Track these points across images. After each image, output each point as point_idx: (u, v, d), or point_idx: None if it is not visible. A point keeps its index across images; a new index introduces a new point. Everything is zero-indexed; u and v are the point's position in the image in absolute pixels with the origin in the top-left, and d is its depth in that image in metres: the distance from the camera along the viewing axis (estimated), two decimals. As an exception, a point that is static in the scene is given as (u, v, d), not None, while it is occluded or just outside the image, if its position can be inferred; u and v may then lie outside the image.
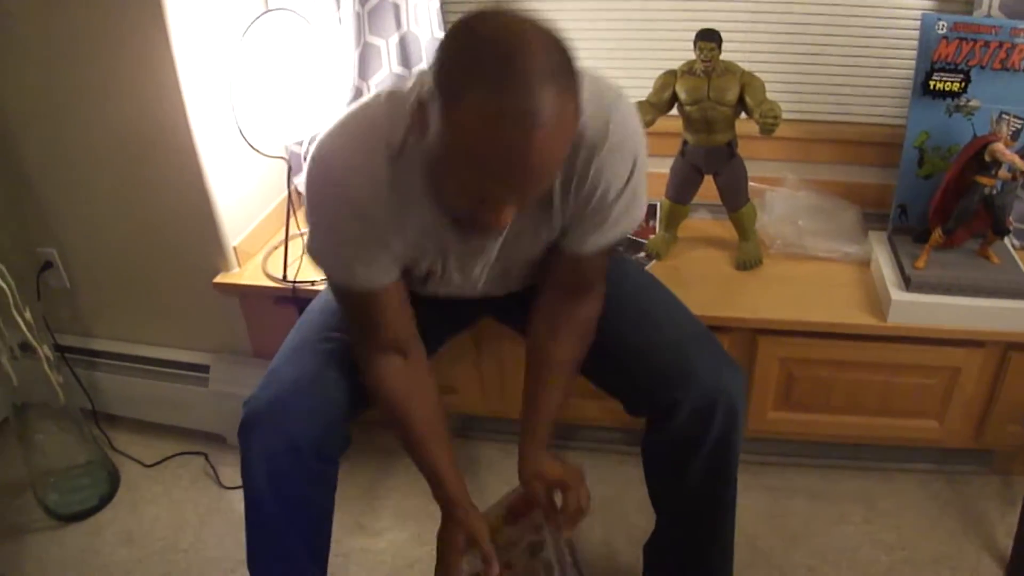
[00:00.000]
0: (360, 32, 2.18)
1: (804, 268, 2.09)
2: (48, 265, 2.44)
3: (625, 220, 1.47)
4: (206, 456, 2.47)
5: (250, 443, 1.55)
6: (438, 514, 2.19)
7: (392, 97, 1.36)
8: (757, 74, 1.95)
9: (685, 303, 1.65)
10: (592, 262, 1.51)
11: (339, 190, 1.35)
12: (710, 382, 1.51)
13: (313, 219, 1.42)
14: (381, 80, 2.20)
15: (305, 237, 2.20)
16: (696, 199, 2.13)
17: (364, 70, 2.22)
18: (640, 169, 1.42)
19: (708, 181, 2.07)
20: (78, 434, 2.32)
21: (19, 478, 2.38)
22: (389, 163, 1.33)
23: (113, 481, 2.41)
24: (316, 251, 1.45)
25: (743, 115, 1.98)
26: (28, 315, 2.09)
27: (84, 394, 2.52)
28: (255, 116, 1.99)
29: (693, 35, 1.93)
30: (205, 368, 2.42)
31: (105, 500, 2.36)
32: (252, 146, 2.02)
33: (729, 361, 1.57)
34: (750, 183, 2.09)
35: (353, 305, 1.51)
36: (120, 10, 1.93)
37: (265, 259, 2.29)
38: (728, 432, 1.54)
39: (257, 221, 2.32)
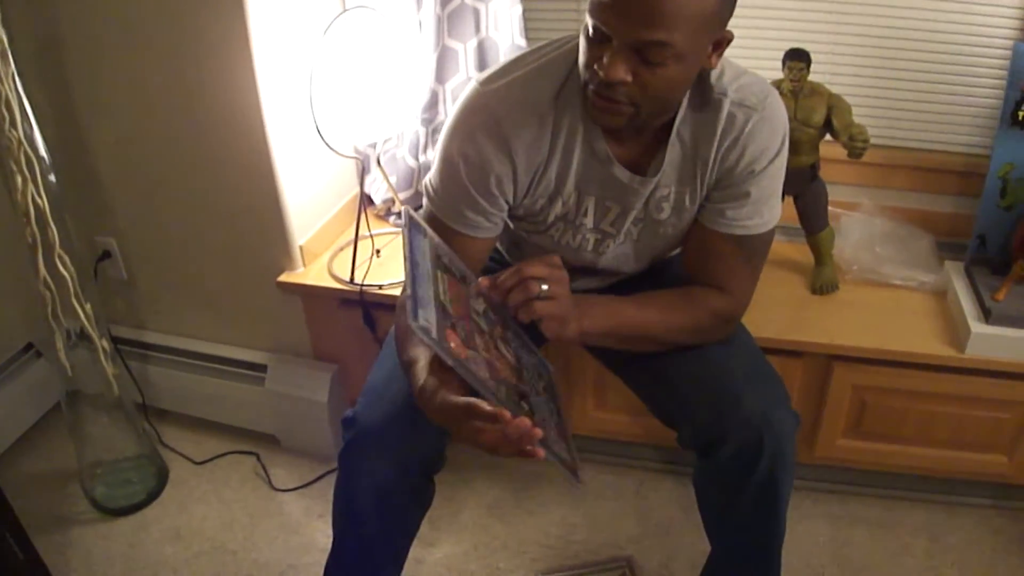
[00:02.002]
0: (439, 35, 2.17)
1: (880, 295, 2.07)
2: (106, 255, 2.44)
3: (761, 211, 1.51)
4: (258, 456, 2.46)
5: (358, 463, 1.55)
6: (496, 528, 2.22)
7: (557, 46, 1.49)
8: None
9: (760, 324, 1.63)
10: (723, 248, 1.52)
11: (488, 118, 1.45)
12: (757, 421, 1.47)
13: (445, 148, 1.51)
14: (457, 85, 2.20)
15: (374, 240, 2.29)
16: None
17: (441, 73, 2.22)
18: (783, 157, 1.50)
19: (787, 202, 2.03)
20: (129, 427, 2.31)
21: (68, 468, 2.38)
22: (551, 101, 1.46)
23: (161, 477, 2.40)
24: (434, 183, 1.55)
25: (827, 137, 1.96)
26: (88, 306, 2.09)
27: (136, 387, 2.51)
28: (329, 114, 1.98)
29: (775, 53, 1.92)
30: (262, 367, 2.40)
31: (153, 496, 2.35)
32: (328, 144, 2.02)
33: (783, 402, 1.53)
34: (827, 207, 2.07)
35: None
36: (200, 1, 1.93)
37: (331, 259, 2.28)
38: (774, 474, 1.51)
39: (324, 220, 2.31)
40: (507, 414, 1.13)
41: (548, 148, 1.47)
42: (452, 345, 1.12)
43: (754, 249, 1.55)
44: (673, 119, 1.44)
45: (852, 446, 2.10)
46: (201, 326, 2.49)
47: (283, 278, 2.23)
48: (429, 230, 1.37)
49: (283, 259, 2.23)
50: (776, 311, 1.99)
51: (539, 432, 1.13)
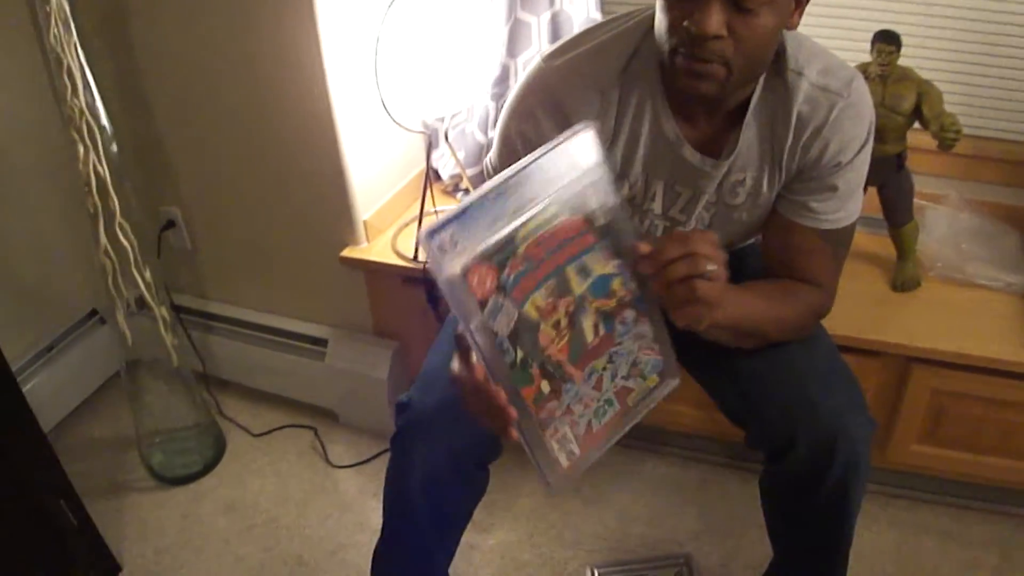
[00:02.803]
0: (512, 7, 2.09)
1: (964, 295, 1.95)
2: (170, 224, 2.41)
3: (847, 204, 1.42)
4: (315, 431, 2.42)
5: (409, 449, 1.50)
6: (552, 516, 2.15)
7: (627, 19, 1.40)
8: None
9: (836, 321, 1.53)
10: (810, 243, 1.43)
11: (548, 96, 1.38)
12: (831, 425, 1.38)
13: (503, 126, 1.45)
14: (529, 59, 2.10)
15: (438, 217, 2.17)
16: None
17: (513, 47, 2.14)
18: (869, 147, 1.40)
19: (870, 193, 1.92)
20: (188, 397, 2.29)
21: (128, 434, 2.37)
22: (617, 77, 1.37)
23: (219, 447, 2.38)
24: (493, 163, 1.50)
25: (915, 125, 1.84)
26: (148, 274, 2.06)
27: (197, 357, 2.49)
28: (397, 88, 1.92)
29: (861, 35, 1.81)
30: (323, 342, 2.36)
31: (210, 466, 2.33)
32: (393, 118, 1.95)
33: (860, 407, 1.43)
34: (912, 199, 1.95)
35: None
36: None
37: (395, 236, 2.21)
38: (846, 481, 1.41)
39: (389, 195, 2.25)
40: (480, 372, 1.05)
41: (613, 128, 1.39)
42: (473, 281, 1.01)
43: (840, 242, 1.46)
44: (748, 99, 1.35)
45: (926, 452, 1.99)
46: (263, 298, 2.45)
47: (346, 253, 2.18)
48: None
49: (346, 234, 2.18)
50: (854, 308, 1.88)
51: (512, 413, 1.05)
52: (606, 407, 1.19)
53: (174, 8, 2.04)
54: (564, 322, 1.10)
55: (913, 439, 1.97)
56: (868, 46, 1.79)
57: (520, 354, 1.07)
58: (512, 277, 1.03)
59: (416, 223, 2.14)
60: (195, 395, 2.32)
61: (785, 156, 1.37)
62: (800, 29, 1.31)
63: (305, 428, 2.44)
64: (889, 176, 1.87)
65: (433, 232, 0.95)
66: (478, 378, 1.05)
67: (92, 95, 1.87)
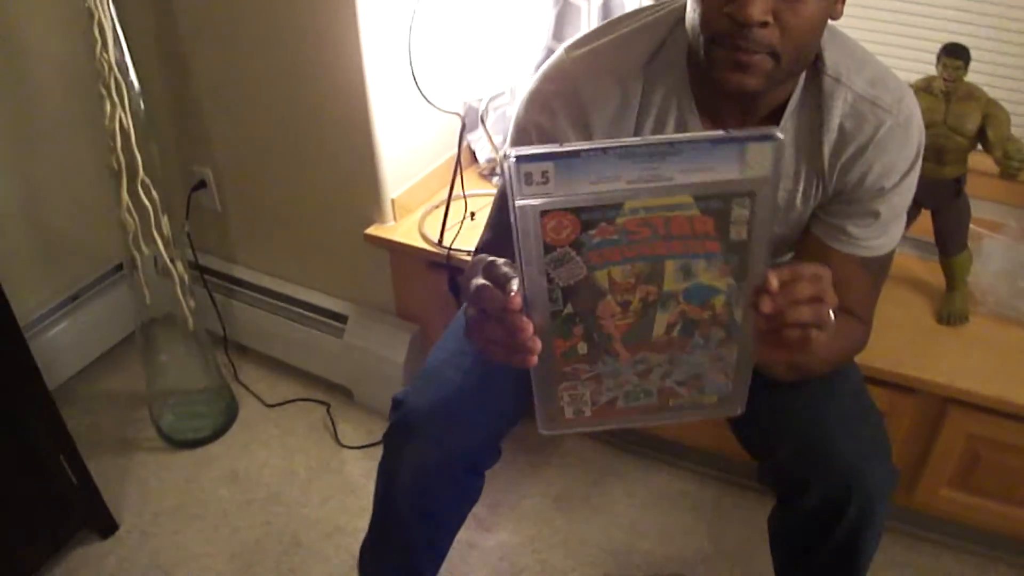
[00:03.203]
0: (561, -11, 1.96)
1: (1015, 335, 1.78)
2: (202, 184, 2.35)
3: (889, 230, 1.29)
4: (328, 408, 2.35)
5: (400, 449, 1.43)
6: (557, 521, 2.05)
7: (656, 9, 1.29)
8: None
9: (872, 351, 1.40)
10: (848, 270, 1.28)
11: (565, 87, 1.26)
12: (847, 473, 1.26)
13: (519, 116, 1.32)
14: (575, 45, 2.00)
15: (468, 201, 2.12)
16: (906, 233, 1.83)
17: (560, 31, 2.02)
18: (917, 170, 1.27)
19: (923, 215, 1.78)
20: (204, 360, 2.25)
21: (142, 392, 2.31)
22: (639, 70, 1.25)
23: (230, 414, 2.33)
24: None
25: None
26: (168, 234, 2.00)
27: (218, 320, 2.44)
28: (433, 66, 1.83)
29: (924, 43, 1.68)
30: (343, 318, 2.28)
31: (219, 432, 2.28)
32: (425, 97, 1.86)
33: (882, 454, 1.31)
34: (968, 225, 1.79)
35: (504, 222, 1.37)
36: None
37: (423, 218, 2.11)
38: (858, 534, 1.30)
39: (420, 176, 2.15)
40: (515, 303, 0.94)
41: (634, 124, 1.26)
42: (548, 224, 0.90)
43: (879, 270, 1.33)
44: (784, 103, 1.22)
45: (956, 498, 1.83)
46: (288, 267, 2.38)
47: (371, 231, 2.09)
48: None
49: (373, 211, 2.09)
50: (893, 338, 1.74)
51: (536, 344, 0.95)
52: (641, 395, 1.08)
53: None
54: (636, 305, 0.98)
55: (943, 483, 1.82)
56: (935, 60, 1.65)
57: (569, 309, 0.98)
58: (597, 240, 0.92)
59: (444, 207, 2.04)
60: (211, 359, 2.27)
61: (825, 171, 1.25)
62: (863, 38, 1.18)
63: (319, 403, 2.37)
64: (946, 201, 1.72)
65: (524, 159, 0.85)
66: (510, 304, 0.93)
67: (122, 51, 1.81)
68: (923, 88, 1.66)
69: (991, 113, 1.63)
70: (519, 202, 0.88)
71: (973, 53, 1.62)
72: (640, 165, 0.88)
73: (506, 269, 0.97)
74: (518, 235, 0.90)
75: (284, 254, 2.37)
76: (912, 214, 1.75)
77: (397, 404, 1.44)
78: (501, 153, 1.41)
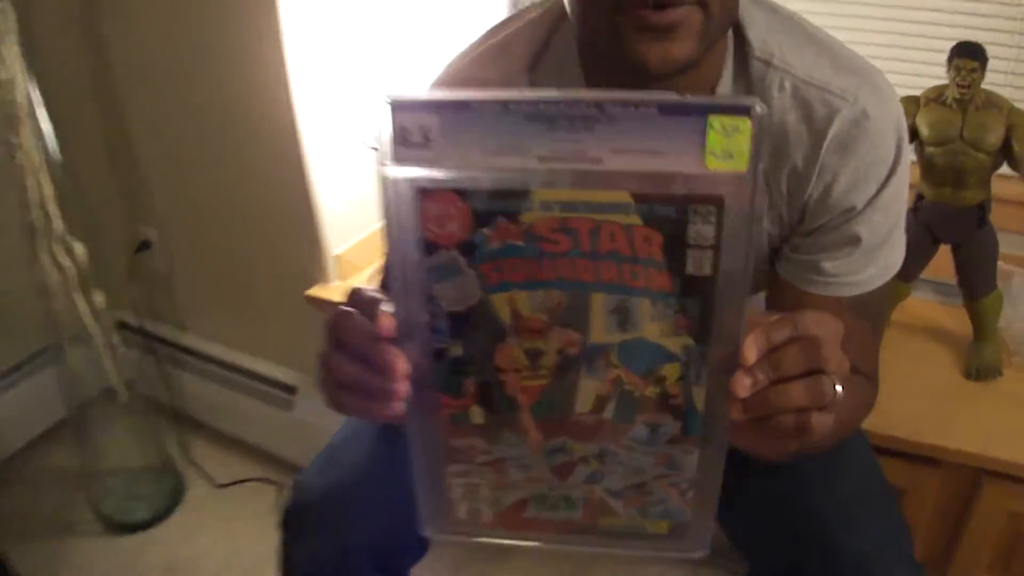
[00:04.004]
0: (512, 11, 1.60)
1: (1056, 390, 1.37)
2: (146, 245, 1.97)
3: (877, 256, 0.88)
4: (281, 488, 1.92)
5: (293, 539, 1.05)
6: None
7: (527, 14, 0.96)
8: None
9: (887, 416, 0.98)
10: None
11: None
12: (855, 564, 0.86)
13: None
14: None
15: None
16: (922, 274, 1.42)
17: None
18: (902, 171, 0.86)
19: (942, 252, 1.37)
20: (147, 436, 1.87)
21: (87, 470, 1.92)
22: (525, 73, 0.92)
23: (175, 495, 1.93)
24: None
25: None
26: (100, 301, 1.64)
27: (168, 392, 2.05)
28: (375, 104, 1.46)
29: (933, 44, 1.29)
30: (293, 389, 1.88)
31: (160, 515, 1.88)
32: (359, 138, 1.50)
33: (902, 546, 0.90)
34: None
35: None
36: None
37: (372, 277, 1.73)
38: None
39: (369, 231, 1.76)
40: (384, 326, 0.60)
41: None
42: (429, 209, 0.56)
43: (876, 308, 0.93)
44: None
45: (997, 586, 1.40)
46: (236, 333, 1.99)
47: (313, 291, 1.70)
48: None
49: (314, 269, 1.70)
50: (912, 399, 1.32)
51: (403, 385, 0.60)
52: (561, 504, 0.69)
53: (147, 16, 1.67)
54: (551, 359, 0.62)
55: (982, 567, 1.38)
56: (945, 66, 1.26)
57: (458, 349, 0.62)
58: (495, 246, 0.58)
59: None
60: (155, 435, 1.89)
61: (780, 195, 0.87)
62: (861, 42, 0.79)
63: (271, 483, 1.94)
64: (967, 233, 1.31)
65: (402, 105, 0.55)
66: (378, 328, 0.60)
67: (30, 96, 1.47)
68: (934, 99, 1.27)
69: (1016, 124, 1.24)
70: (390, 172, 0.56)
71: (992, 58, 1.23)
72: (557, 135, 0.54)
73: (375, 294, 0.64)
74: (388, 225, 0.58)
75: (233, 319, 1.98)
76: (928, 250, 1.35)
77: (295, 486, 1.06)
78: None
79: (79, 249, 1.60)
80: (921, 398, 1.34)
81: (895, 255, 0.91)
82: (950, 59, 1.24)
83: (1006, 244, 1.41)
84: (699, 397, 0.61)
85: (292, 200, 1.64)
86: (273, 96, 1.54)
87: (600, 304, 0.58)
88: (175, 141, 1.80)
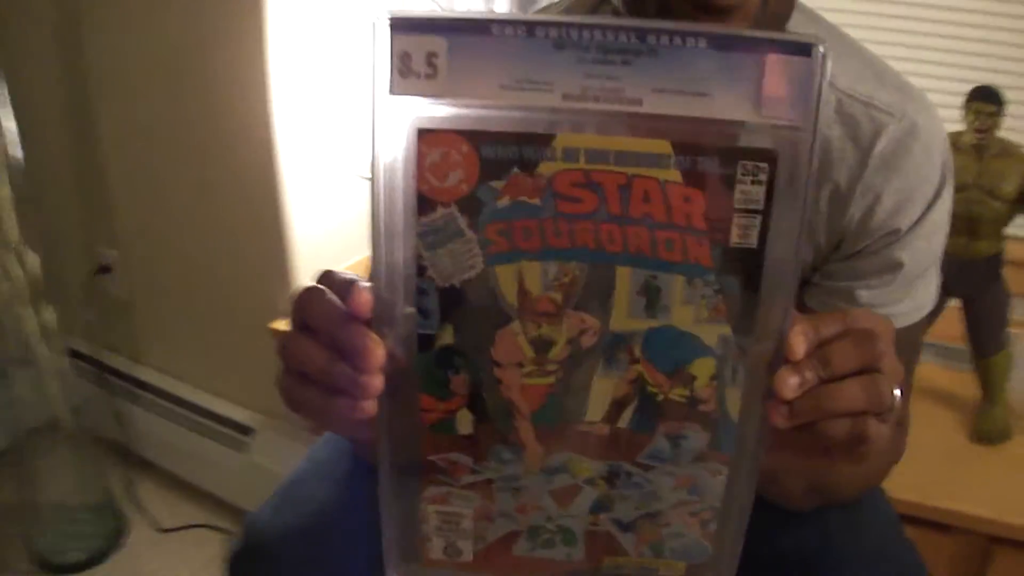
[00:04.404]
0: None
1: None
2: (106, 269, 1.86)
3: (916, 288, 0.79)
4: (230, 535, 1.78)
5: None
6: None
7: None
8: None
9: (895, 481, 0.87)
10: None
11: None
12: None
13: None
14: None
15: None
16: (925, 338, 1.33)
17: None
18: (947, 196, 0.78)
19: (949, 310, 1.28)
20: (91, 471, 1.74)
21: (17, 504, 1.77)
22: None
23: (115, 536, 1.77)
24: None
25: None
26: (50, 316, 1.52)
27: (118, 427, 1.90)
28: (349, 124, 1.39)
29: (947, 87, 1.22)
30: (249, 431, 1.74)
31: (97, 558, 1.72)
32: (340, 166, 1.41)
33: None
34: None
35: None
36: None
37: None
38: None
39: (347, 263, 1.64)
40: (359, 303, 0.47)
41: None
42: (428, 155, 0.46)
43: (910, 348, 0.82)
44: None
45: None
46: (193, 368, 1.86)
47: (279, 324, 1.57)
48: None
49: (282, 303, 1.58)
50: (921, 464, 1.18)
51: (378, 380, 0.47)
52: (558, 538, 0.57)
53: (125, 27, 1.59)
54: (562, 349, 0.51)
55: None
56: (961, 111, 1.19)
57: (448, 337, 0.50)
58: (505, 203, 0.47)
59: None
60: (99, 471, 1.75)
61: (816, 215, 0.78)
62: None
63: (219, 531, 1.79)
64: (980, 286, 1.23)
65: (403, 25, 0.44)
66: (352, 306, 0.48)
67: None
68: (950, 143, 1.20)
69: (1035, 170, 1.17)
70: (383, 106, 0.45)
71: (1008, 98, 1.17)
72: (589, 69, 0.45)
73: (351, 275, 0.51)
74: (375, 174, 0.47)
75: (191, 353, 1.86)
76: (938, 305, 1.26)
77: (247, 526, 0.91)
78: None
79: (32, 259, 1.50)
80: (929, 462, 1.24)
81: (930, 292, 0.82)
82: (967, 103, 1.17)
83: (1018, 309, 1.33)
84: (733, 402, 0.51)
85: (264, 227, 1.54)
86: (252, 117, 1.46)
87: (626, 281, 0.48)
88: (145, 160, 1.70)
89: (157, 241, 1.77)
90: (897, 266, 0.77)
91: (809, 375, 0.48)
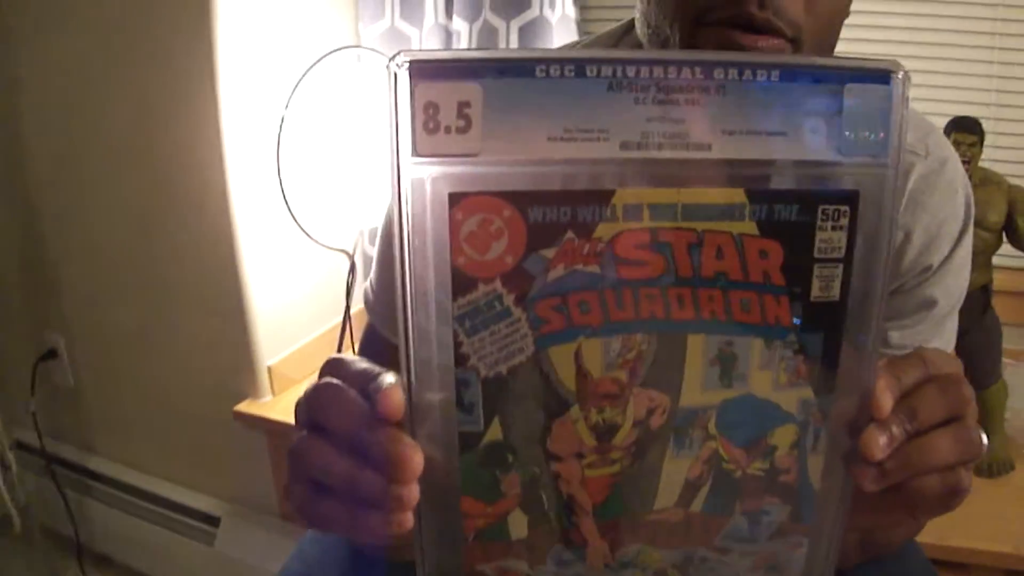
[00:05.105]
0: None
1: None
2: (52, 354, 1.73)
3: (944, 326, 0.76)
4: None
5: None
6: None
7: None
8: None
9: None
10: None
11: None
12: None
13: (384, 225, 0.83)
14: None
15: None
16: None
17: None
18: (970, 237, 0.75)
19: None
20: (45, 571, 1.64)
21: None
22: None
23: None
24: (373, 285, 0.85)
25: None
26: None
27: (70, 522, 1.74)
28: (308, 188, 1.31)
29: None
30: (215, 520, 1.61)
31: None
32: (303, 229, 1.33)
33: None
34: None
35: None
36: (164, 61, 1.35)
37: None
38: None
39: (306, 339, 1.56)
40: (387, 379, 0.41)
41: None
42: (466, 222, 0.39)
43: None
44: None
45: None
46: (151, 457, 1.73)
47: (242, 407, 1.48)
48: None
49: (245, 382, 1.49)
50: (924, 500, 1.17)
51: (414, 491, 0.40)
52: None
53: (69, 103, 1.50)
54: (627, 434, 0.44)
55: None
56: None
57: (496, 433, 0.43)
58: (555, 276, 0.40)
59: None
60: (56, 570, 1.65)
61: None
62: None
63: (186, 631, 1.66)
64: (973, 319, 1.19)
65: (425, 70, 0.37)
66: (381, 407, 0.40)
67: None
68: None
69: (1018, 198, 1.16)
70: (407, 171, 0.38)
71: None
72: (648, 110, 0.39)
73: (367, 363, 0.44)
74: (401, 249, 0.39)
75: (147, 440, 1.73)
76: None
77: None
78: (366, 284, 0.86)
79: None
80: (936, 500, 1.18)
81: (955, 331, 0.78)
82: (946, 134, 1.15)
83: (1007, 338, 1.30)
84: (814, 469, 0.45)
85: (221, 303, 1.45)
86: (206, 188, 1.38)
87: (698, 350, 0.42)
88: (90, 236, 1.60)
89: (105, 323, 1.66)
90: (931, 304, 0.73)
91: (897, 431, 0.43)
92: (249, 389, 1.49)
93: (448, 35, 1.51)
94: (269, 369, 1.48)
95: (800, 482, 0.46)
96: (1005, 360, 1.31)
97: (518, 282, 0.40)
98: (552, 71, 0.37)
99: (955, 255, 0.73)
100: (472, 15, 1.47)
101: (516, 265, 0.39)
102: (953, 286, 0.75)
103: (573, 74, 0.37)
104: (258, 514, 1.60)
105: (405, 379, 0.40)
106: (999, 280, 1.26)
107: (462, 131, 0.37)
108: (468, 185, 0.38)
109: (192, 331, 1.52)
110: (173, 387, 1.61)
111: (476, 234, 0.39)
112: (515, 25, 1.44)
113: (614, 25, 0.79)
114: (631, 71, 0.37)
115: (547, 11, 1.43)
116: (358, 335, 1.52)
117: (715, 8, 0.56)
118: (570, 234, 0.39)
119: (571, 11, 1.45)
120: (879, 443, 0.42)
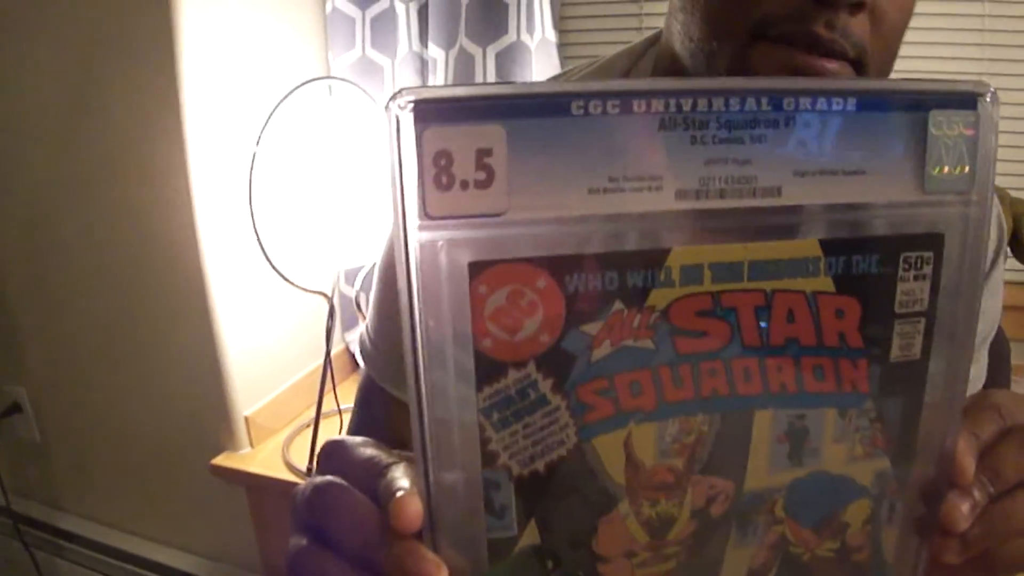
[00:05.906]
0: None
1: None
2: (15, 408, 1.65)
3: (980, 353, 0.74)
4: None
5: None
6: None
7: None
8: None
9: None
10: None
11: None
12: None
13: (380, 271, 0.75)
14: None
15: (344, 418, 1.44)
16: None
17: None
18: (1003, 258, 0.75)
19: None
20: None
21: None
22: None
23: None
24: (370, 333, 0.76)
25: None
26: None
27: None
28: (283, 229, 1.24)
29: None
30: (194, 580, 1.55)
31: None
32: (278, 271, 1.26)
33: None
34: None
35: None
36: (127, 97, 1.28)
37: (289, 442, 1.43)
38: None
39: (284, 387, 1.49)
40: (400, 482, 0.34)
41: None
42: (491, 296, 0.32)
43: None
44: None
45: None
46: (124, 514, 1.64)
47: (220, 460, 1.40)
48: None
49: (221, 434, 1.41)
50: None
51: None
52: None
53: (31, 142, 1.43)
54: (685, 527, 0.37)
55: None
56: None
57: (533, 536, 0.35)
58: (600, 355, 0.34)
59: (313, 427, 1.37)
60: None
61: None
62: None
63: None
64: (980, 336, 1.16)
65: (438, 114, 0.30)
66: (397, 519, 0.33)
67: None
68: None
69: (1022, 212, 1.10)
70: (416, 235, 0.31)
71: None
72: (709, 151, 0.32)
73: (375, 450, 0.38)
74: (414, 333, 0.32)
75: (119, 496, 1.64)
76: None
77: None
78: (361, 329, 0.79)
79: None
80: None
81: (987, 359, 0.74)
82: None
83: (1015, 353, 1.26)
84: (888, 543, 0.40)
85: (194, 351, 1.37)
86: (175, 233, 1.31)
87: (765, 428, 0.36)
88: (53, 284, 1.51)
89: (71, 374, 1.58)
90: None
91: (980, 496, 0.38)
92: (226, 441, 1.41)
93: (423, 63, 1.45)
94: (247, 419, 1.40)
95: (874, 560, 0.40)
96: (1015, 378, 1.26)
97: (556, 365, 0.33)
98: (592, 107, 0.31)
99: (992, 276, 0.71)
100: (448, 42, 1.40)
101: (553, 345, 0.33)
102: (991, 309, 0.73)
103: (618, 110, 0.31)
104: (239, 571, 1.52)
105: (423, 482, 0.33)
106: (1006, 295, 1.23)
107: (482, 185, 0.31)
108: (492, 252, 0.31)
109: (164, 381, 1.44)
110: (146, 440, 1.53)
111: (504, 310, 0.32)
112: (491, 51, 1.38)
113: (614, 51, 0.72)
114: (686, 103, 0.31)
115: (524, 36, 1.37)
116: (339, 379, 1.46)
117: (775, 22, 0.48)
118: (618, 304, 0.33)
119: (551, 35, 1.39)
120: (963, 512, 0.37)
